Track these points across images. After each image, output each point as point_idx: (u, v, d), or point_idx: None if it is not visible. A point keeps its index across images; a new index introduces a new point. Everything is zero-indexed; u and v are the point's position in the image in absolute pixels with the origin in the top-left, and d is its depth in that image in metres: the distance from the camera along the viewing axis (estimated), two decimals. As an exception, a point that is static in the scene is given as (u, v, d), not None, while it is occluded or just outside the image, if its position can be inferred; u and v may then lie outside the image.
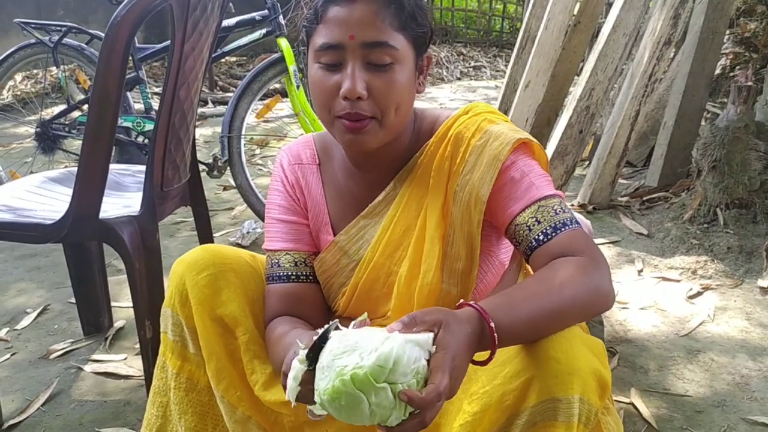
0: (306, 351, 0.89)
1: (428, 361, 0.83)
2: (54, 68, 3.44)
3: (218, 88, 6.54)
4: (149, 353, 1.61)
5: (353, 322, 0.91)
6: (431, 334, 0.85)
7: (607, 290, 0.99)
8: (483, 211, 1.10)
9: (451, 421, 1.00)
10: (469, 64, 8.21)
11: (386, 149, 1.14)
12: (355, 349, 0.83)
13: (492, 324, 0.88)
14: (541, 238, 1.03)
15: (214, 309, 1.17)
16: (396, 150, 1.16)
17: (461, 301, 0.94)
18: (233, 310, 1.18)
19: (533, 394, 0.92)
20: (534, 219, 1.05)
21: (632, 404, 1.77)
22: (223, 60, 6.16)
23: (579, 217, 1.22)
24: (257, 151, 4.51)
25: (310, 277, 1.23)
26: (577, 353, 0.93)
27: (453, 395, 0.84)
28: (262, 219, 3.00)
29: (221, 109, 5.80)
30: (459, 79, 7.66)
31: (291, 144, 1.30)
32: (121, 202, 1.79)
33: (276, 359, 1.09)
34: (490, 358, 0.90)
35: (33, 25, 3.22)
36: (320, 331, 0.89)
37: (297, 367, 0.90)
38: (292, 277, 1.21)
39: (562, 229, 1.03)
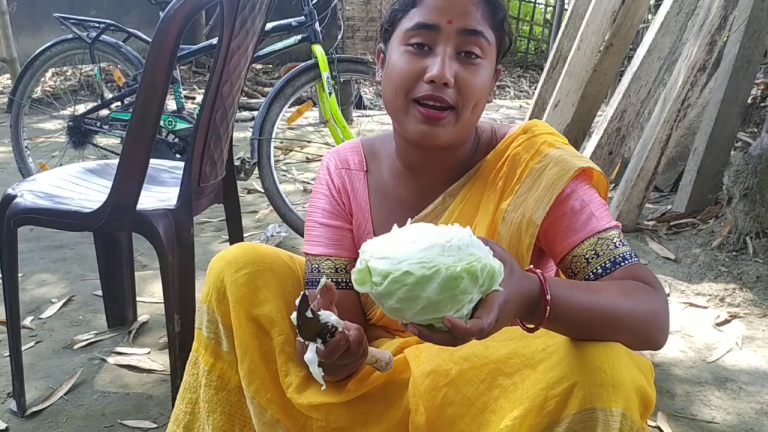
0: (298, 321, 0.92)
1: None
2: (84, 65, 3.47)
3: (243, 93, 6.59)
4: (176, 348, 1.61)
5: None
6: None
7: (664, 320, 0.98)
8: (535, 234, 1.08)
9: (497, 422, 0.98)
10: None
11: (447, 153, 1.13)
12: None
13: (549, 296, 0.88)
14: (599, 271, 1.03)
15: (251, 308, 1.15)
16: (456, 156, 1.15)
17: (531, 266, 0.94)
18: (270, 310, 1.15)
19: (575, 402, 0.89)
20: (593, 252, 1.04)
21: (659, 428, 1.74)
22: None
23: None
24: (281, 157, 4.53)
25: (350, 284, 1.21)
26: (623, 367, 0.91)
27: (487, 337, 0.84)
28: (288, 223, 3.00)
29: (245, 114, 5.85)
30: (482, 97, 7.66)
31: (338, 148, 1.28)
32: (157, 195, 1.79)
33: None
34: (537, 327, 0.90)
35: (72, 21, 3.26)
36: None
37: (310, 356, 0.92)
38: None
39: (622, 263, 1.02)
